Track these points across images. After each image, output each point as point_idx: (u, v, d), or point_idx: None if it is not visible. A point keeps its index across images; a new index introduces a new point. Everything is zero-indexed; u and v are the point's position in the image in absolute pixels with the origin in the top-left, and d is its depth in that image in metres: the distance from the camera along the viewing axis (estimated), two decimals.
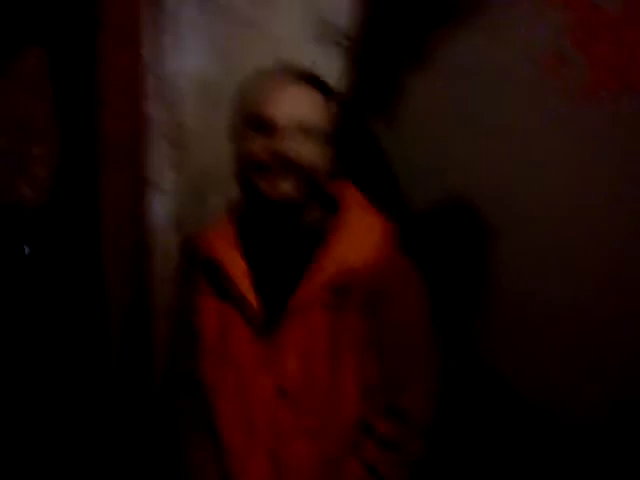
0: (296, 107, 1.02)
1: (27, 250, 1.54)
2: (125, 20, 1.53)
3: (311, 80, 1.06)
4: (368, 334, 1.03)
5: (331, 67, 1.47)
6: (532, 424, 1.18)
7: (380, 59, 1.44)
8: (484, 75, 1.21)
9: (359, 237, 1.05)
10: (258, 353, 1.04)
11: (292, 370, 1.03)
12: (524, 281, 1.18)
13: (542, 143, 1.14)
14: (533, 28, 1.13)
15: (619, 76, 1.02)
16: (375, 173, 1.42)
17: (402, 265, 1.07)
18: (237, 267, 1.07)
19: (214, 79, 1.56)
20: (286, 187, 1.01)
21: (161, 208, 1.60)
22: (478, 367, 1.26)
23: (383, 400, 1.05)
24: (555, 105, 1.11)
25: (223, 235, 1.12)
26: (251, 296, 1.05)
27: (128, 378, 1.60)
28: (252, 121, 1.04)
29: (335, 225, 1.07)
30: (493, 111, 1.20)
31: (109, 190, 1.55)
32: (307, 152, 1.02)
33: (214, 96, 1.54)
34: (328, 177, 1.08)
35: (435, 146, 1.32)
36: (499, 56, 1.18)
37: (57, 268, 1.56)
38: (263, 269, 1.08)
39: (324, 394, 1.03)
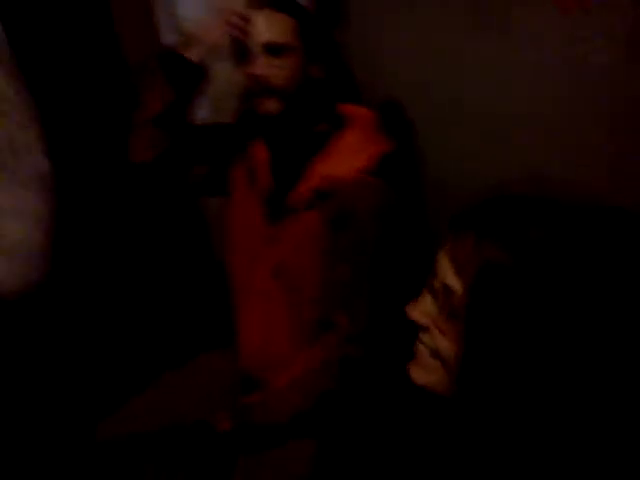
0: (263, 31, 1.16)
1: None
2: None
3: (278, 4, 1.18)
4: (332, 243, 1.19)
5: None
6: None
7: None
8: None
9: (347, 155, 1.19)
10: (266, 234, 1.27)
11: (286, 255, 1.24)
12: None
13: None
14: None
15: None
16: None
17: (376, 193, 1.17)
18: (261, 155, 1.31)
19: None
20: (264, 105, 1.19)
21: None
22: None
23: (338, 299, 1.20)
24: None
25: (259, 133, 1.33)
26: (267, 180, 1.28)
27: None
28: (239, 51, 1.20)
29: (334, 140, 1.22)
30: None
31: None
32: (276, 71, 1.16)
33: None
34: (329, 96, 1.25)
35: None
36: None
37: None
38: (280, 163, 1.28)
39: (305, 278, 1.24)
